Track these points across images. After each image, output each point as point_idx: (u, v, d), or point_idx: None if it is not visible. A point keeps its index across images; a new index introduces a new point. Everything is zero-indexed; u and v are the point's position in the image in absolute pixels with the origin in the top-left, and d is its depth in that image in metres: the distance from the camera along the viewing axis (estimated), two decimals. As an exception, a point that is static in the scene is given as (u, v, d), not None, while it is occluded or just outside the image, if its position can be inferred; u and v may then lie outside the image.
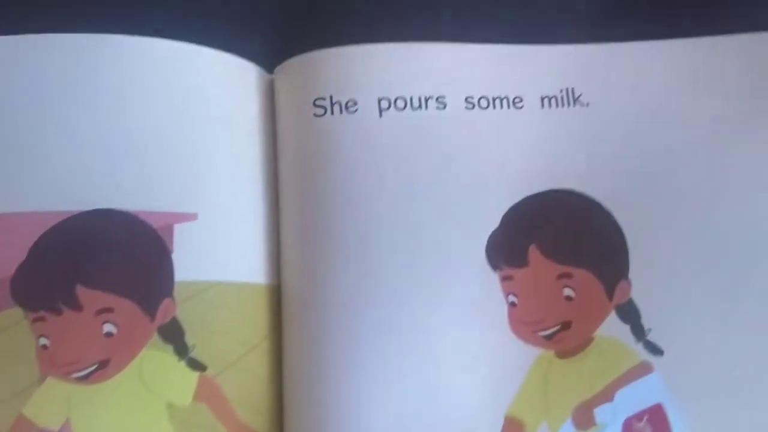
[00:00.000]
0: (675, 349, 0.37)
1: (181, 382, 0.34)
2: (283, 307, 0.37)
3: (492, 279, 0.37)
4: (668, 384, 0.36)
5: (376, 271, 0.36)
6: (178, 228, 0.35)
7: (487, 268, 0.37)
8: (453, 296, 0.36)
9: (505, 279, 0.37)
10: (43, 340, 0.33)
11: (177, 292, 0.35)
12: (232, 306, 0.36)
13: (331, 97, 0.38)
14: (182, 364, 0.34)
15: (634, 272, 0.37)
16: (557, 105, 0.39)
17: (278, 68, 0.39)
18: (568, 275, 0.37)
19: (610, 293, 0.37)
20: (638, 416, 0.36)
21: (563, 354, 0.37)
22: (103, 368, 0.33)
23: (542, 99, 0.39)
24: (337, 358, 0.35)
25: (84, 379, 0.33)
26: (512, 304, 0.37)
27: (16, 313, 0.33)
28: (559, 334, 0.37)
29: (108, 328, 0.33)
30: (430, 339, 0.36)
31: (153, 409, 0.33)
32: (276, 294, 0.37)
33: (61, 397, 0.33)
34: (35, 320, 0.33)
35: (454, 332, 0.36)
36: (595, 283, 0.37)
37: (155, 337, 0.34)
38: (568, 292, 0.37)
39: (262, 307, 0.37)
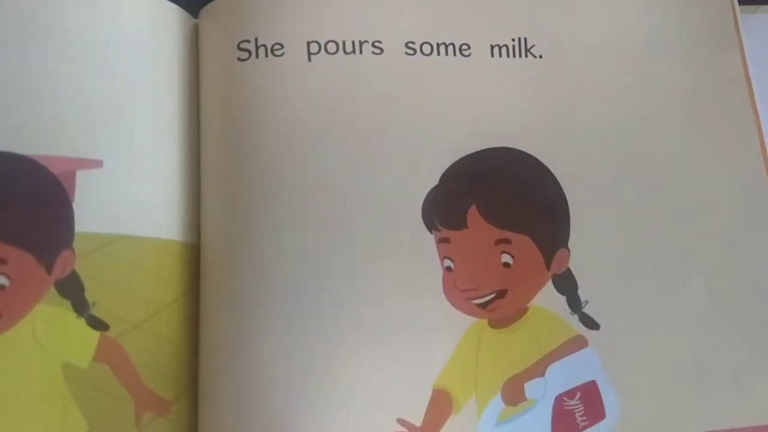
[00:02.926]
0: (611, 324, 0.34)
1: (80, 341, 0.31)
2: (202, 267, 0.34)
3: (427, 241, 0.34)
4: (603, 360, 0.34)
5: (304, 229, 0.33)
6: (81, 175, 0.33)
7: (422, 228, 0.34)
8: (384, 258, 0.33)
9: (441, 241, 0.34)
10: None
11: (77, 244, 0.32)
12: (139, 263, 0.33)
13: (256, 40, 0.35)
14: (81, 321, 0.32)
15: (573, 241, 0.35)
16: (508, 55, 0.36)
17: (203, 11, 0.36)
18: (506, 241, 0.34)
19: (548, 262, 0.34)
20: (570, 393, 0.34)
21: (496, 323, 0.34)
22: None
23: (492, 47, 0.36)
24: (259, 322, 0.32)
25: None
26: (447, 269, 0.34)
27: None
28: (494, 302, 0.34)
29: (0, 280, 0.31)
30: (356, 303, 0.33)
31: (47, 368, 0.31)
32: (193, 253, 0.35)
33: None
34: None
35: (381, 295, 0.33)
36: (534, 251, 0.34)
37: (52, 292, 0.31)
38: (506, 258, 0.34)
39: (175, 267, 0.34)
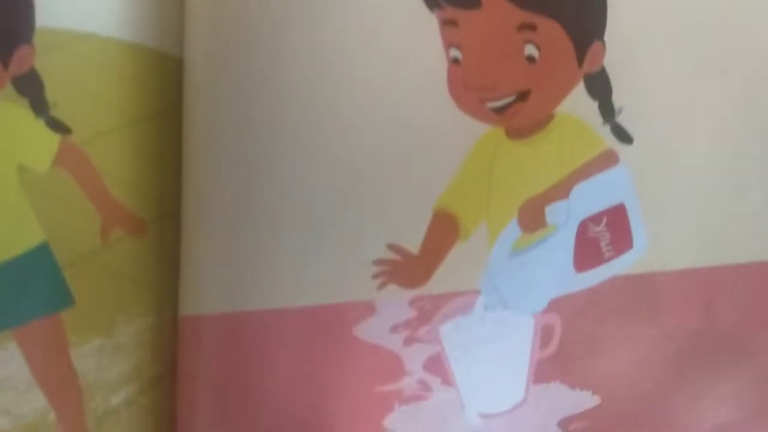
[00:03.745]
0: (644, 138, 0.29)
1: (38, 142, 0.29)
2: (185, 83, 0.30)
3: (428, 24, 0.28)
4: (634, 180, 0.29)
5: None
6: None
7: (422, 6, 0.27)
8: (376, 43, 0.27)
9: (446, 24, 0.28)
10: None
11: (38, 39, 0.29)
12: (108, 66, 0.30)
13: None
14: (40, 122, 0.29)
15: (610, 35, 0.28)
16: None
17: None
18: (531, 26, 0.28)
19: (580, 56, 0.28)
20: (596, 218, 0.29)
21: (515, 134, 0.29)
22: None
23: None
24: (245, 144, 0.28)
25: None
26: (455, 61, 0.28)
27: None
28: (514, 106, 0.28)
29: None
30: (345, 98, 0.28)
31: (1, 169, 0.29)
32: (176, 67, 0.30)
33: None
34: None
35: (373, 90, 0.28)
36: (565, 41, 0.28)
37: (9, 89, 0.29)
38: (530, 50, 0.28)
39: (155, 78, 0.31)
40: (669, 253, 0.30)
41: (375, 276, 0.28)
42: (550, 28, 0.28)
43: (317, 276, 0.28)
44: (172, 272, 0.30)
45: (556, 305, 0.29)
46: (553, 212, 0.29)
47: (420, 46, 0.28)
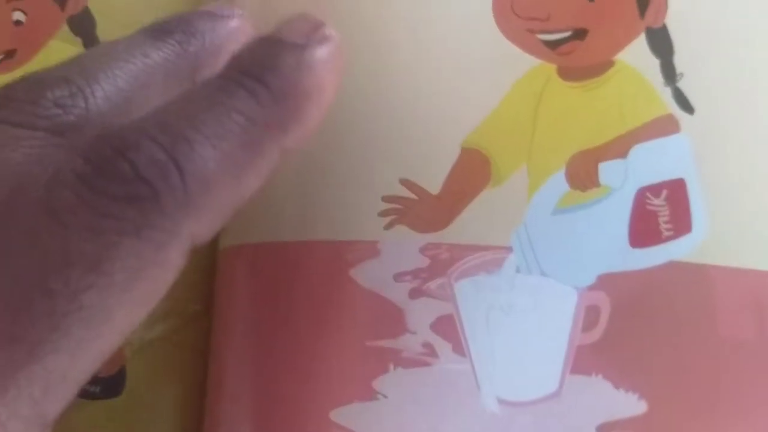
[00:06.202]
0: (707, 110, 0.25)
1: None
2: None
3: None
4: (695, 153, 0.25)
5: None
6: None
7: None
8: None
9: None
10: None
11: None
12: (156, 4, 0.30)
13: None
14: None
15: None
16: None
17: None
18: None
19: (642, 7, 0.26)
20: (656, 189, 0.25)
21: (569, 74, 0.26)
22: (9, 58, 0.30)
23: None
24: None
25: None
26: None
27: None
28: (570, 42, 0.26)
29: (17, 15, 0.30)
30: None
31: None
32: None
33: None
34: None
35: (416, 15, 0.26)
36: None
37: (65, 29, 0.30)
38: None
39: None
40: (727, 246, 0.25)
41: (382, 213, 0.25)
42: None
43: (320, 209, 0.25)
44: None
45: (605, 282, 0.25)
46: (609, 172, 0.25)
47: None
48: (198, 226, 0.16)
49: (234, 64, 0.17)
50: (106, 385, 0.28)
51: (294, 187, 0.26)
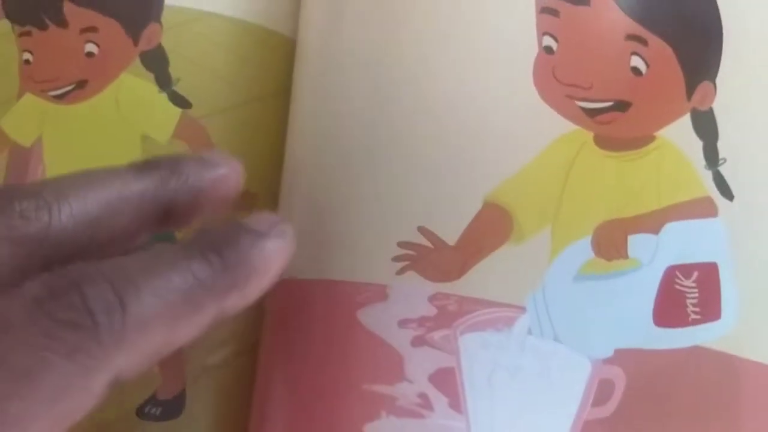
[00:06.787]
0: (747, 198, 0.25)
1: (161, 115, 0.31)
2: (296, 62, 0.30)
3: (524, 6, 0.26)
4: (731, 240, 0.24)
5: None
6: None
7: None
8: (465, 22, 0.26)
9: (545, 12, 0.26)
10: (26, 55, 0.32)
11: (165, 18, 0.32)
12: (225, 45, 0.32)
13: None
14: (163, 96, 0.31)
15: (721, 78, 0.26)
16: None
17: None
18: (641, 40, 0.26)
19: (690, 89, 0.26)
20: (686, 269, 0.24)
21: (606, 143, 0.25)
22: (80, 88, 0.31)
23: None
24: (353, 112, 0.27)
25: (60, 98, 0.31)
26: (547, 50, 0.26)
27: (4, 25, 0.32)
28: (611, 113, 0.25)
29: (90, 47, 0.31)
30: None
31: (126, 137, 0.31)
32: (290, 49, 0.31)
33: (36, 114, 0.32)
34: (21, 35, 0.32)
35: (457, 71, 0.26)
36: (675, 67, 0.26)
37: (137, 63, 0.31)
38: (637, 62, 0.26)
39: (273, 59, 0.32)
40: (757, 339, 0.24)
41: (396, 258, 0.25)
42: (661, 49, 0.26)
43: (335, 249, 0.25)
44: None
45: (622, 357, 0.24)
46: (639, 245, 0.24)
47: (511, 25, 0.26)
48: (126, 362, 0.17)
49: (201, 236, 0.19)
50: (166, 407, 0.28)
51: (312, 225, 0.26)
